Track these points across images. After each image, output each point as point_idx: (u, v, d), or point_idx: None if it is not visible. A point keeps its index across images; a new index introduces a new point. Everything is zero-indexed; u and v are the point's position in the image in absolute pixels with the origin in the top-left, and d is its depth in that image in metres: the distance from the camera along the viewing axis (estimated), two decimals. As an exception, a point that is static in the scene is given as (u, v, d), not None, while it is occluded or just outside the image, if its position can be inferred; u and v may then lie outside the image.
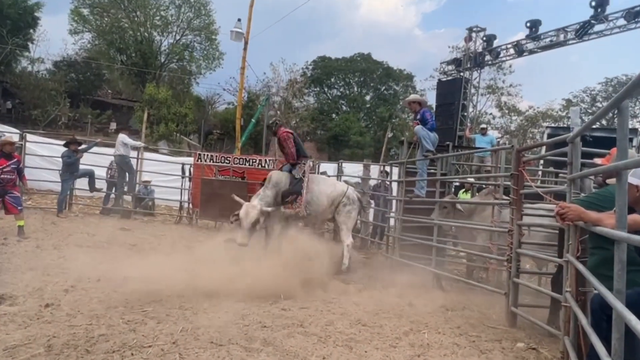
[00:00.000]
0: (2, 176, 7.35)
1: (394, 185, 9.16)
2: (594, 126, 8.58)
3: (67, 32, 30.82)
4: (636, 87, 2.06)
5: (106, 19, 30.76)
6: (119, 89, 32.81)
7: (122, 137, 10.87)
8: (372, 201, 10.76)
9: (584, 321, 3.01)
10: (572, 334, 3.53)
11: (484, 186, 8.63)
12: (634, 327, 1.84)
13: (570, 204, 3.16)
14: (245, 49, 15.66)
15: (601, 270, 2.78)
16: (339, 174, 10.66)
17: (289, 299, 5.20)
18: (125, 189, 11.06)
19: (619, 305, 2.13)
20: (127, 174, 11.00)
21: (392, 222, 8.15)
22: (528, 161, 5.12)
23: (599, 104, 31.22)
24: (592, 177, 3.70)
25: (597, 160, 3.53)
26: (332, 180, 8.21)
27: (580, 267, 3.21)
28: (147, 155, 13.58)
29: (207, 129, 29.57)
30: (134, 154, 11.57)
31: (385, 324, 4.51)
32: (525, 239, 5.05)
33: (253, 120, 21.68)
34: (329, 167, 12.44)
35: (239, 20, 15.70)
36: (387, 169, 10.45)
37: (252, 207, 6.61)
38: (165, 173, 12.46)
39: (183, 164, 11.47)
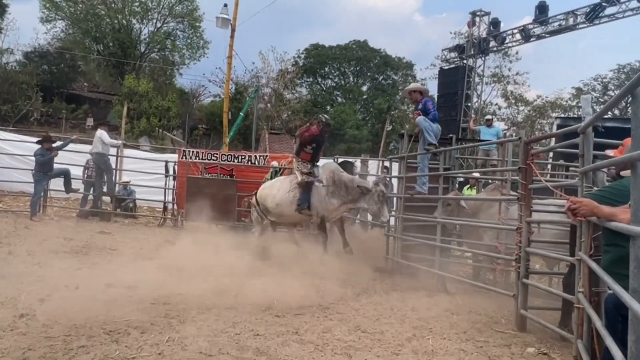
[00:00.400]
0: None
1: (394, 182, 9.18)
2: (606, 116, 8.64)
3: (38, 21, 30.61)
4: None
5: (80, 5, 30.51)
6: (96, 81, 32.64)
7: (101, 133, 10.81)
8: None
9: (598, 323, 3.04)
10: (585, 337, 3.56)
11: (490, 181, 8.70)
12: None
13: (582, 198, 3.18)
14: (232, 36, 15.62)
15: (616, 269, 2.80)
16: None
17: (282, 305, 5.20)
18: (104, 189, 11.01)
19: (635, 306, 2.15)
20: (105, 174, 10.95)
21: (392, 221, 8.17)
22: (537, 154, 5.15)
23: (611, 93, 31.49)
24: (605, 169, 3.72)
25: (610, 152, 3.56)
26: None
27: (594, 265, 3.24)
28: (127, 152, 13.51)
29: (192, 124, 29.50)
30: (113, 151, 11.53)
31: (386, 330, 4.53)
32: (534, 236, 5.07)
33: (241, 113, 21.65)
34: (325, 164, 12.42)
35: (225, 5, 15.67)
36: (387, 164, 10.47)
37: None
38: (148, 172, 12.43)
39: (166, 162, 11.44)
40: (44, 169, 9.97)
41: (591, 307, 3.37)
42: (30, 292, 5.02)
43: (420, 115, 7.34)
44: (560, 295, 4.57)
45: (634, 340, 2.28)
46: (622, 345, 2.43)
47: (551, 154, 10.62)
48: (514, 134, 26.45)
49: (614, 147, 4.07)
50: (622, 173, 3.00)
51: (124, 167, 12.20)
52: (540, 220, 5.31)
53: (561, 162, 8.88)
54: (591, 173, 3.78)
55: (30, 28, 51.66)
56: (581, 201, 3.00)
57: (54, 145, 10.29)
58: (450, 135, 8.25)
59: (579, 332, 3.73)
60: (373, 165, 12.38)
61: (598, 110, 4.78)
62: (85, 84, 32.95)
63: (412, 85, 8.09)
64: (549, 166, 9.63)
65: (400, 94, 32.96)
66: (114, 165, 11.33)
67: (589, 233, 3.54)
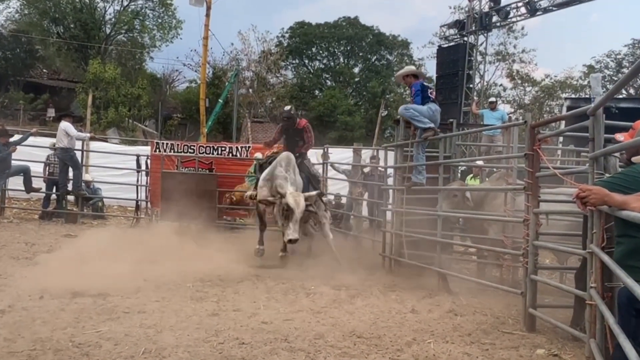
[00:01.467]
0: None
1: (390, 172, 9.23)
2: (619, 96, 8.73)
3: (-11, 0, 30.13)
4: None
5: (36, -18, 30.13)
6: (57, 67, 32.21)
7: (65, 126, 10.71)
8: (366, 192, 10.85)
9: (612, 320, 3.10)
10: (598, 336, 3.63)
11: (494, 170, 8.77)
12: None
13: (592, 186, 3.23)
14: (207, 15, 15.53)
15: (629, 262, 2.86)
16: (325, 161, 10.66)
17: (270, 310, 5.23)
18: (69, 187, 10.94)
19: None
20: (70, 170, 10.87)
21: (388, 215, 8.23)
22: (544, 138, 5.21)
23: (625, 70, 31.66)
24: (617, 154, 3.77)
25: (619, 136, 3.60)
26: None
27: (606, 259, 3.30)
28: (93, 146, 13.43)
29: (165, 113, 29.25)
30: (79, 145, 11.44)
31: (384, 335, 4.57)
32: (543, 229, 5.14)
33: (220, 100, 21.60)
34: (313, 154, 12.43)
35: (199, -20, 15.53)
36: (381, 153, 10.48)
37: (298, 195, 7.11)
38: (117, 167, 12.36)
39: (138, 156, 11.37)
40: (0, 166, 9.87)
41: (604, 303, 3.44)
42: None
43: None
44: (571, 292, 4.64)
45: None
46: (635, 341, 2.49)
47: (561, 139, 10.74)
48: (520, 118, 26.63)
49: (625, 129, 4.13)
50: (634, 159, 3.05)
51: (90, 162, 12.12)
52: (549, 211, 5.36)
53: (571, 147, 8.97)
54: (602, 158, 3.83)
55: (-20, 9, 50.72)
56: (591, 189, 3.04)
57: (11, 140, 10.19)
58: (451, 120, 8.28)
59: (592, 331, 3.80)
60: (367, 154, 12.42)
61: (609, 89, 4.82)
62: (44, 70, 32.56)
63: (405, 69, 8.10)
64: (559, 152, 9.72)
65: (394, 77, 33.01)
66: (80, 161, 11.25)
67: (600, 224, 3.60)
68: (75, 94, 26.16)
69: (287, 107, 8.73)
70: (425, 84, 7.70)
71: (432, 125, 7.16)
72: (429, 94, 7.40)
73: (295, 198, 7.00)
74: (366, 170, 11.10)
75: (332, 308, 5.46)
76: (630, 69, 2.60)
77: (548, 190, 5.99)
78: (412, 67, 8.70)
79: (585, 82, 31.42)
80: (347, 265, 7.43)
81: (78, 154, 11.20)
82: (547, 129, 8.19)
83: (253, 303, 5.45)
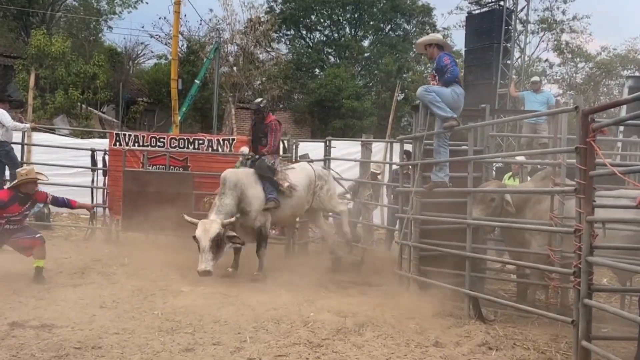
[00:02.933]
0: (7, 226, 7.44)
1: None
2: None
3: None
4: None
5: None
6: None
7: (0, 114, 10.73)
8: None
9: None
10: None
11: (538, 167, 8.74)
12: None
13: None
14: (179, -26, 15.50)
15: None
16: (327, 156, 10.66)
17: (258, 343, 5.21)
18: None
19: None
20: (8, 169, 10.87)
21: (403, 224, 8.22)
22: (600, 128, 5.16)
23: None
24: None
25: None
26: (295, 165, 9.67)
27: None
28: (37, 138, 13.41)
29: (128, 97, 29.18)
30: (17, 137, 11.42)
31: (401, 375, 4.56)
32: (599, 241, 5.10)
33: (197, 81, 21.60)
34: (313, 148, 12.39)
35: None
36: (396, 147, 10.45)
37: (209, 222, 7.77)
38: (66, 164, 12.32)
39: (93, 150, 11.36)
40: None
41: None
42: None
43: (435, 77, 7.37)
44: (635, 321, 4.61)
45: None
46: None
47: (621, 128, 10.69)
48: (570, 102, 26.50)
49: None
50: None
51: (32, 158, 12.10)
52: (607, 219, 5.33)
53: (635, 138, 8.93)
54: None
55: None
56: None
57: None
58: (483, 105, 8.24)
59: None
60: (379, 148, 12.39)
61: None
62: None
63: (428, 37, 8.04)
64: (619, 144, 9.68)
65: (414, 48, 32.90)
66: (19, 157, 11.24)
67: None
68: (13, 72, 26.06)
69: (258, 100, 9.39)
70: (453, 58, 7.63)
71: (454, 114, 7.16)
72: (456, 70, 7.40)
73: (204, 226, 7.70)
74: (377, 170, 11.07)
75: (335, 340, 5.45)
76: None
77: (606, 193, 5.95)
78: (438, 35, 8.62)
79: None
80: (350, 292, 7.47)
81: (17, 149, 11.17)
82: (605, 116, 8.10)
83: (237, 334, 5.44)
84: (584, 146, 4.92)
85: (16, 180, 7.54)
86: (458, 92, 7.29)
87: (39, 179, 7.74)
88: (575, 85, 32.56)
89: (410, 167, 8.51)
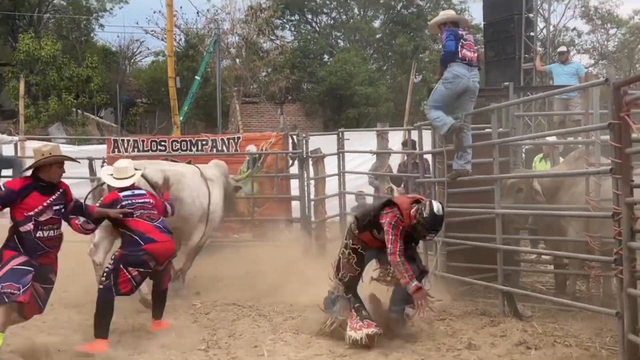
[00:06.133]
0: (41, 234, 5.54)
1: (429, 159, 9.17)
2: None
3: None
4: None
5: None
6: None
7: None
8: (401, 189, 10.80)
9: None
10: None
11: (572, 147, 8.65)
12: None
13: None
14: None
15: None
16: (340, 149, 10.60)
17: (277, 356, 5.20)
18: None
19: None
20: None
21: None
22: (635, 101, 5.08)
23: None
24: None
25: None
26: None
27: None
28: (31, 148, 13.48)
29: (126, 99, 29.27)
30: (8, 150, 11.51)
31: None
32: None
33: (197, 77, 21.61)
34: (325, 141, 12.33)
35: None
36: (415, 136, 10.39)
37: None
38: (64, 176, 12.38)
39: (91, 159, 11.40)
40: None
41: None
42: None
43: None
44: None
45: None
46: None
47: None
48: (603, 73, 26.11)
49: None
50: None
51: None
52: None
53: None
54: None
55: None
56: None
57: None
58: (506, 83, 8.16)
59: None
60: (396, 138, 12.30)
61: None
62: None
63: (441, 15, 7.92)
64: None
65: (428, 29, 32.76)
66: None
67: None
68: (2, 80, 26.27)
69: None
70: (461, 32, 7.40)
71: (453, 123, 7.08)
72: (461, 47, 7.14)
73: None
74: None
75: (360, 349, 5.41)
76: None
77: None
78: (452, 12, 8.46)
79: None
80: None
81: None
82: None
83: (254, 348, 5.42)
84: (618, 122, 4.85)
85: (34, 162, 5.58)
86: (455, 72, 7.13)
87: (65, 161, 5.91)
88: (607, 54, 32.22)
89: (418, 156, 8.50)
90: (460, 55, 7.10)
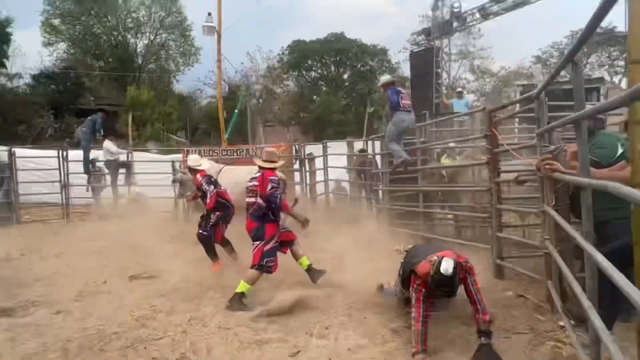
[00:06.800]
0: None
1: (378, 159, 9.22)
2: (564, 79, 8.67)
3: (41, 45, 30.04)
4: (583, 43, 2.11)
5: (78, 27, 29.96)
6: (102, 94, 32.19)
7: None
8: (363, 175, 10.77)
9: (562, 264, 3.13)
10: (554, 278, 3.66)
11: (464, 149, 8.74)
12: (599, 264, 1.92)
13: (552, 161, 3.29)
14: (219, 42, 15.41)
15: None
16: (325, 153, 10.65)
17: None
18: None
19: (587, 247, 2.23)
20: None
21: (380, 194, 8.26)
22: (498, 121, 5.19)
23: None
24: (560, 129, 3.77)
25: None
26: None
27: (555, 215, 3.32)
28: (137, 156, 13.43)
29: (193, 125, 29.17)
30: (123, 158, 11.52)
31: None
32: (504, 195, 5.15)
33: (236, 110, 21.48)
34: (315, 148, 12.38)
35: (209, 14, 15.39)
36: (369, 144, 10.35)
37: None
38: (157, 172, 12.33)
39: (172, 162, 11.36)
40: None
41: (556, 252, 3.46)
42: (63, 290, 5.01)
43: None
44: (531, 245, 4.68)
45: (590, 276, 2.37)
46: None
47: (516, 119, 10.64)
48: (481, 105, 26.17)
49: (569, 108, 4.10)
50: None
51: (135, 169, 12.13)
52: (505, 180, 5.29)
53: (524, 125, 8.93)
54: (547, 133, 3.83)
55: (35, 52, 50.44)
56: (552, 163, 3.15)
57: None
58: (424, 111, 8.24)
59: (548, 274, 3.83)
60: (359, 145, 12.33)
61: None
62: (91, 98, 32.46)
63: (383, 80, 7.54)
64: (516, 130, 9.65)
65: (377, 79, 32.78)
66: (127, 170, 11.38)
67: (550, 188, 3.62)
68: (118, 115, 26.15)
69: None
70: (399, 89, 7.08)
71: (406, 157, 6.71)
72: (401, 99, 6.81)
73: None
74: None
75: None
76: (561, 60, 2.59)
77: (513, 161, 5.95)
78: (389, 77, 8.07)
79: (535, 70, 30.96)
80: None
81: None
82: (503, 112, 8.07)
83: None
84: (490, 134, 4.96)
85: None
86: (400, 118, 6.75)
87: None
88: (485, 93, 32.34)
89: (372, 157, 8.57)
90: (401, 105, 6.79)
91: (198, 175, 5.75)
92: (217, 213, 5.64)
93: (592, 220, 2.40)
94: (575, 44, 2.29)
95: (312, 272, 4.75)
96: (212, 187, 5.61)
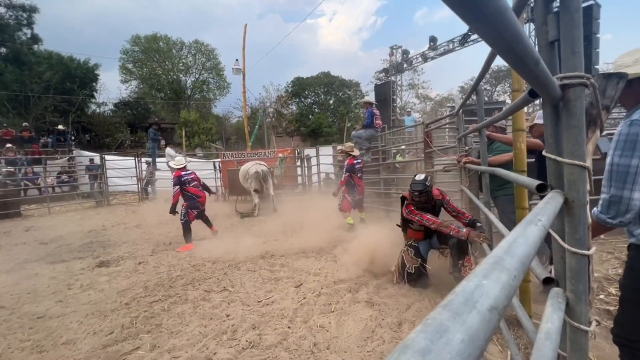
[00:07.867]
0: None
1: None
2: (474, 102, 8.73)
3: (119, 82, 29.67)
4: (480, 80, 2.21)
5: (145, 69, 29.73)
6: (163, 116, 31.85)
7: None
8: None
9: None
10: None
11: (412, 150, 8.81)
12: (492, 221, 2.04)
13: (469, 157, 3.38)
14: (244, 79, 15.29)
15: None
16: (317, 155, 10.67)
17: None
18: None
19: (485, 210, 2.35)
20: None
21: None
22: (430, 131, 5.28)
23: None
24: (472, 135, 3.87)
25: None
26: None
27: (469, 192, 3.43)
28: (188, 158, 13.35)
29: (226, 136, 28.98)
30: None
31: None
32: (438, 179, 5.22)
33: (257, 126, 21.49)
34: (311, 151, 12.39)
35: (237, 60, 15.29)
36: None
37: None
38: (203, 169, 12.28)
39: (214, 162, 11.38)
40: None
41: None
42: (143, 249, 5.07)
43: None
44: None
45: (485, 224, 2.48)
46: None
47: (447, 129, 10.71)
48: (422, 120, 26.26)
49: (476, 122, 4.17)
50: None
51: (188, 167, 12.01)
52: (437, 170, 5.32)
53: (450, 133, 9.00)
54: (464, 138, 3.93)
55: (115, 87, 50.01)
56: (468, 159, 3.23)
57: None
58: (384, 125, 8.27)
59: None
60: (339, 149, 12.30)
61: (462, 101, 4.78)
62: (156, 118, 32.11)
63: (364, 99, 7.34)
64: (447, 137, 9.73)
65: (353, 103, 32.76)
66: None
67: (466, 175, 3.73)
68: (174, 130, 25.90)
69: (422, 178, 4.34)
70: (374, 111, 6.70)
71: (369, 146, 6.57)
72: (374, 119, 6.56)
73: None
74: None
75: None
76: (469, 90, 2.69)
77: (444, 158, 6.04)
78: (368, 98, 7.55)
79: (461, 97, 30.84)
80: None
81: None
82: (436, 126, 8.16)
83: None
84: (425, 140, 5.04)
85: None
86: (368, 133, 6.72)
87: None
88: (426, 112, 32.38)
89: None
90: (374, 125, 6.58)
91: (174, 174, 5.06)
92: (184, 204, 5.06)
93: (489, 194, 2.52)
94: (475, 81, 2.40)
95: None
96: (176, 187, 4.94)
